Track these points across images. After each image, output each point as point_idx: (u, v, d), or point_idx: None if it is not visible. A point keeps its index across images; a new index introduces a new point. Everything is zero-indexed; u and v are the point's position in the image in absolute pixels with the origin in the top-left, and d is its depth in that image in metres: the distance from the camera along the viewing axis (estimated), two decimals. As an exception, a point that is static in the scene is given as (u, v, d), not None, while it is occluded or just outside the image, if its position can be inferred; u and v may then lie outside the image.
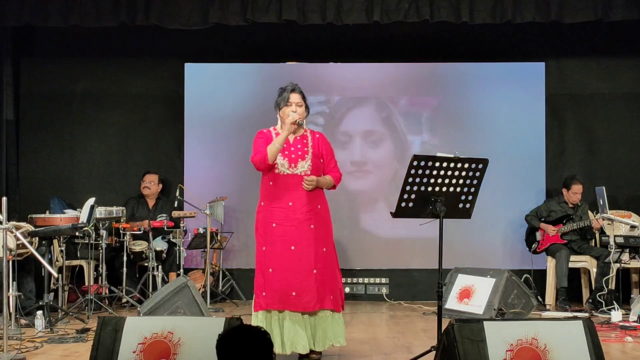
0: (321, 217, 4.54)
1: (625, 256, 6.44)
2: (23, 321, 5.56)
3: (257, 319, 4.46)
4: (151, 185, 7.39)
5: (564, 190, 7.23)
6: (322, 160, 4.57)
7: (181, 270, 6.82)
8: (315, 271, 4.42)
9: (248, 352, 2.79)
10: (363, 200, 7.66)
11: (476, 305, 6.02)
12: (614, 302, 6.15)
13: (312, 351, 4.49)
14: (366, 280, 7.56)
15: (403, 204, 4.14)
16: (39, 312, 5.49)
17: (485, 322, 3.46)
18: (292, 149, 4.51)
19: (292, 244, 4.42)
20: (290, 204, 4.45)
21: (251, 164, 4.54)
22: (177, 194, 6.99)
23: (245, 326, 2.94)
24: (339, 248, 4.53)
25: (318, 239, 4.48)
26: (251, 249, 7.52)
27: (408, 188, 4.12)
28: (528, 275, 6.78)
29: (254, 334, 2.85)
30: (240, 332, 2.86)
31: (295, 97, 4.51)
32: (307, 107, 4.58)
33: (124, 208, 6.79)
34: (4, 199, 4.54)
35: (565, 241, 7.11)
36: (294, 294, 4.38)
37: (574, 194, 7.15)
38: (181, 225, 6.95)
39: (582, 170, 7.56)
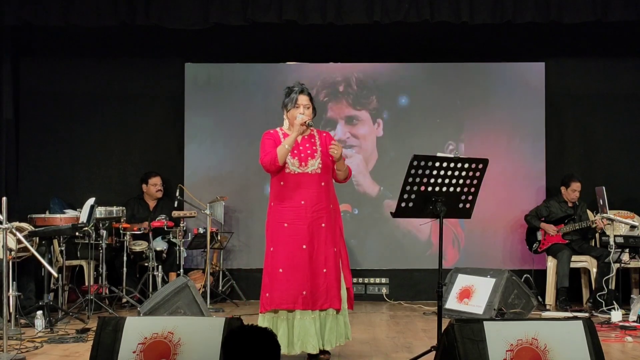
0: (332, 216, 4.53)
1: (625, 256, 6.45)
2: (23, 321, 5.56)
3: (263, 320, 4.44)
4: (162, 187, 7.38)
5: (563, 189, 7.22)
6: (330, 159, 4.55)
7: (181, 270, 6.81)
8: (325, 270, 4.43)
9: (255, 352, 2.77)
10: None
11: (476, 305, 6.03)
12: (614, 302, 6.15)
13: (321, 351, 4.49)
14: (366, 280, 7.55)
15: (403, 204, 4.14)
16: (39, 312, 5.49)
17: (485, 322, 3.46)
18: (301, 148, 4.51)
19: (303, 243, 4.42)
20: (303, 202, 4.44)
21: (259, 165, 4.53)
22: (177, 194, 6.99)
23: (252, 327, 2.92)
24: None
25: (329, 238, 4.48)
26: (251, 249, 7.54)
27: (408, 188, 4.12)
28: (528, 275, 6.78)
29: (261, 335, 2.83)
30: (247, 333, 2.84)
31: (303, 99, 4.51)
32: (314, 108, 4.58)
33: (124, 208, 6.78)
34: (4, 199, 4.53)
35: (567, 241, 7.10)
36: (304, 293, 4.37)
37: (573, 191, 7.15)
38: (181, 225, 6.94)
39: (581, 170, 7.55)
